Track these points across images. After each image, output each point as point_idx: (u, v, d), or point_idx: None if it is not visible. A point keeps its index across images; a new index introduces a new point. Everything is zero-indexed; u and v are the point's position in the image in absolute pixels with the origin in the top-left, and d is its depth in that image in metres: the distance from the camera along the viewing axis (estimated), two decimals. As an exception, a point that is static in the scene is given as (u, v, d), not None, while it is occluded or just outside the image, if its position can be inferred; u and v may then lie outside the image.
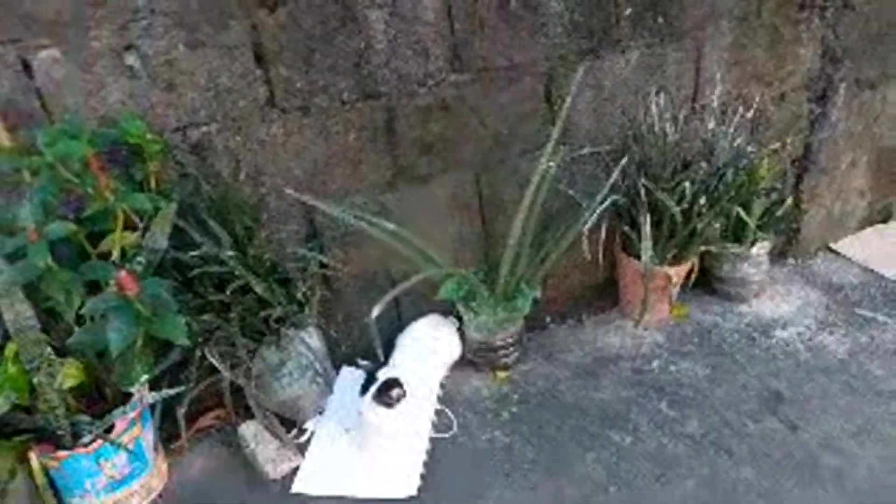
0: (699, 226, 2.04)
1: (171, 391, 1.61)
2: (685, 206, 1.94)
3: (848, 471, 1.76)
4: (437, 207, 2.02)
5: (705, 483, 1.75)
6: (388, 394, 1.67)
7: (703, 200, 1.93)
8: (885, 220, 2.77)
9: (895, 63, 2.41)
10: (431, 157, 1.98)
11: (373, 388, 1.67)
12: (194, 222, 1.69)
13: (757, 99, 2.25)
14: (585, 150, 2.10)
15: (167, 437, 1.89)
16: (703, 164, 1.91)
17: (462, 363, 2.14)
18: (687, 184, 1.90)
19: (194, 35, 1.63)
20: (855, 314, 2.34)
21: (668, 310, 2.30)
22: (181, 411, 1.73)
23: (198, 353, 1.67)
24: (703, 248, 2.20)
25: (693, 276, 2.33)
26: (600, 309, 2.40)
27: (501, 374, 2.08)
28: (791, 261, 2.63)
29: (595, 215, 1.92)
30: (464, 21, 1.86)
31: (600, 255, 2.05)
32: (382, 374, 1.70)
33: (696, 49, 2.16)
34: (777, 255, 2.63)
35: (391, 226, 1.75)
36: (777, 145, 2.14)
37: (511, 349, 2.05)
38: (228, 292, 1.66)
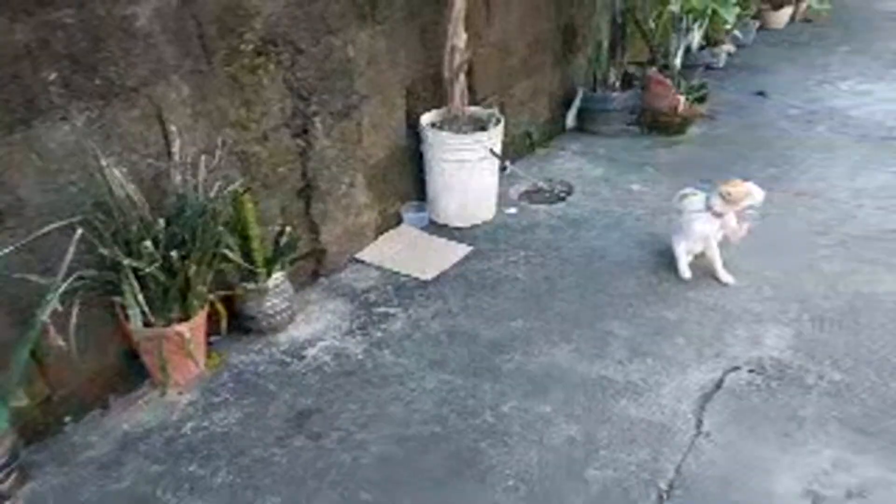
0: (191, 277, 2.07)
1: None
2: (158, 264, 1.93)
3: (360, 460, 1.99)
4: None
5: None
6: None
7: (175, 254, 1.95)
8: (396, 225, 3.25)
9: (355, 96, 2.82)
10: None
11: None
12: None
13: (227, 145, 2.36)
14: (47, 229, 1.93)
15: None
16: (161, 221, 1.93)
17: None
18: (149, 243, 1.89)
19: None
20: (373, 313, 2.68)
21: (198, 365, 2.28)
22: None
23: None
24: (212, 295, 2.24)
25: (224, 323, 2.37)
26: (130, 387, 2.25)
27: (-4, 507, 1.79)
28: (323, 279, 2.89)
29: (57, 298, 1.77)
30: None
31: (71, 338, 1.86)
32: None
33: (154, 106, 2.17)
34: (311, 277, 2.88)
35: None
36: (236, 185, 2.27)
37: (2, 475, 1.77)
38: None
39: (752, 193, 2.59)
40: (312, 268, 2.86)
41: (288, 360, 2.43)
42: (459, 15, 2.90)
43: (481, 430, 2.08)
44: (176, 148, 2.11)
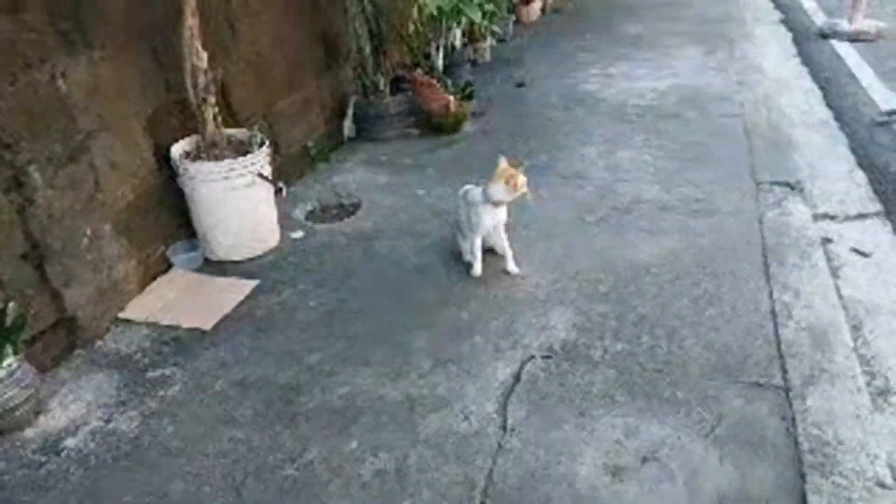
0: None
1: None
2: None
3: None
4: None
5: None
6: None
7: None
8: (166, 271, 2.88)
9: (79, 135, 2.42)
10: None
11: None
12: None
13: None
14: None
15: None
16: None
17: None
18: None
19: None
20: (146, 379, 2.32)
21: None
22: None
23: None
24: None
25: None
26: None
27: None
28: (80, 351, 2.45)
29: None
30: None
31: None
32: None
33: None
34: (64, 351, 2.43)
35: None
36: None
37: None
38: None
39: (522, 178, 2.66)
40: (64, 340, 2.42)
41: (41, 459, 2.01)
42: (193, 32, 2.62)
43: (284, 489, 1.88)
44: None
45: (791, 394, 2.08)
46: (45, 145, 2.30)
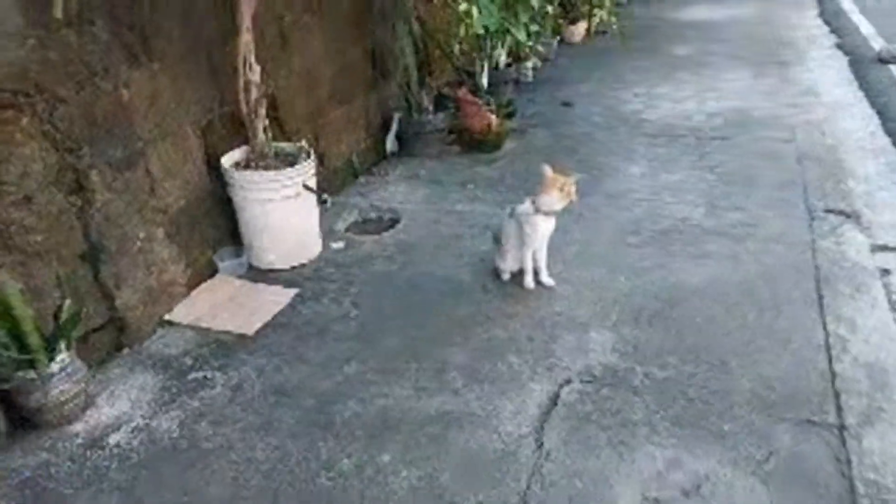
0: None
1: None
2: None
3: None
4: None
5: None
6: None
7: None
8: (211, 276, 2.95)
9: (139, 142, 2.51)
10: None
11: None
12: None
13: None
14: None
15: None
16: None
17: None
18: None
19: None
20: (188, 381, 2.37)
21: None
22: None
23: None
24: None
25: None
26: None
27: None
28: (127, 350, 2.52)
29: None
30: None
31: None
32: None
33: None
34: (112, 350, 2.50)
35: None
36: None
37: None
38: None
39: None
40: (112, 339, 2.49)
41: (87, 453, 2.07)
42: (248, 48, 2.69)
43: (318, 497, 1.88)
44: None
45: (846, 433, 1.99)
46: (106, 151, 2.39)
